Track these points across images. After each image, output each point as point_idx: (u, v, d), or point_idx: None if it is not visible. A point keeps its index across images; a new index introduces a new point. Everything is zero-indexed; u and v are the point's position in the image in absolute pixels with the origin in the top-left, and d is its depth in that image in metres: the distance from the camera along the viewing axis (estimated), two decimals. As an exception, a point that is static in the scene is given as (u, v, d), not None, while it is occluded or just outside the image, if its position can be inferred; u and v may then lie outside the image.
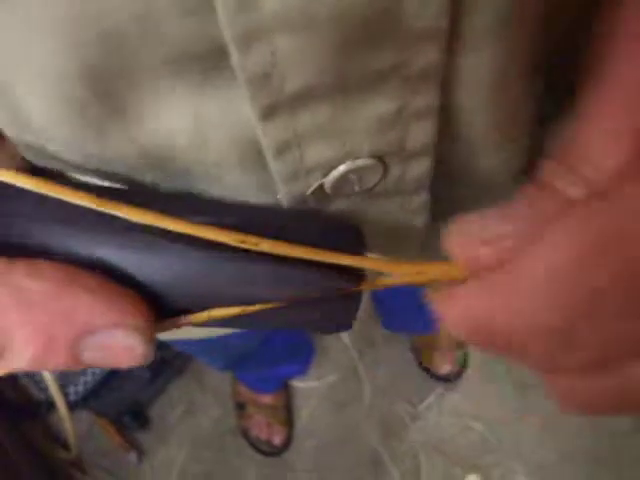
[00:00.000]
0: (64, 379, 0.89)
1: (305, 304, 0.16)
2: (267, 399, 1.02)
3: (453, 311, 0.14)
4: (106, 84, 0.13)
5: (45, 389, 0.87)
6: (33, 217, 0.14)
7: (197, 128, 0.14)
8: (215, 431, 1.06)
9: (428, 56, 0.13)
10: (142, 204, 0.14)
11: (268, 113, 0.13)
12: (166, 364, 1.02)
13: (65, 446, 1.00)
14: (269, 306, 0.16)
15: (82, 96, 0.13)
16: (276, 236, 0.15)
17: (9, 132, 0.17)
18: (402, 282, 0.16)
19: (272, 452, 1.02)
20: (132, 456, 1.04)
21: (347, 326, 0.18)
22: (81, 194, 0.14)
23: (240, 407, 1.04)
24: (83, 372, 0.89)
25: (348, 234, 0.17)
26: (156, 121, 0.14)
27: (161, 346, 0.99)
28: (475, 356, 1.07)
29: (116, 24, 0.11)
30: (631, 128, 0.12)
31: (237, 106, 0.13)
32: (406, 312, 0.95)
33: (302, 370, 1.02)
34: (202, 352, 0.74)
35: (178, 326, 0.16)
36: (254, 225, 0.15)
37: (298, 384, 1.07)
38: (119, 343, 0.14)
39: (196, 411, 1.08)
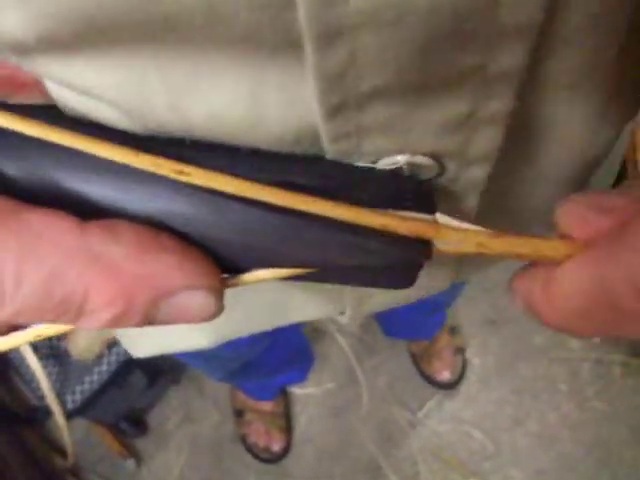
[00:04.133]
0: (61, 388, 0.88)
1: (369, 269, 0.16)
2: (266, 406, 1.02)
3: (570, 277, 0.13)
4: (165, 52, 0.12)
5: (42, 397, 0.87)
6: (86, 169, 0.14)
7: (253, 108, 0.13)
8: (213, 438, 1.06)
9: (513, 57, 0.12)
10: (198, 157, 0.14)
11: (334, 111, 0.12)
12: (163, 371, 1.02)
13: (62, 453, 0.99)
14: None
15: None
16: (347, 196, 0.14)
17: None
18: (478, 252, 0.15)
19: (271, 459, 1.02)
20: (130, 463, 1.04)
21: (407, 285, 0.17)
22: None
23: (238, 414, 1.04)
24: (80, 381, 0.88)
25: (421, 195, 0.16)
26: (208, 93, 0.13)
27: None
28: (474, 363, 1.07)
29: (181, 6, 0.11)
30: None
31: (300, 97, 0.13)
32: (406, 318, 0.95)
33: (301, 377, 1.01)
34: (200, 363, 0.74)
35: (239, 284, 0.16)
36: (323, 184, 0.15)
37: (296, 391, 1.07)
38: (195, 303, 0.14)
39: (194, 417, 1.07)
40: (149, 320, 0.14)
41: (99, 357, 0.88)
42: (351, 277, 0.17)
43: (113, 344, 0.89)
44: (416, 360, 1.07)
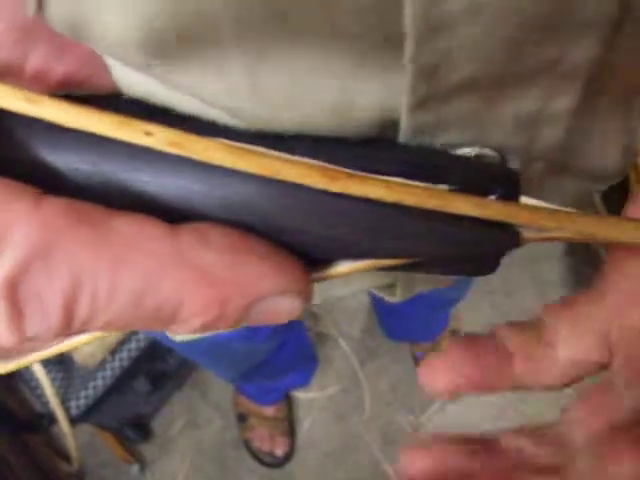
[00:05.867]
0: (65, 394, 0.89)
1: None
2: (269, 411, 1.02)
3: None
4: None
5: (47, 403, 0.87)
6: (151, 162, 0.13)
7: (342, 105, 0.14)
8: (217, 443, 1.06)
9: (586, 49, 0.12)
10: (279, 148, 0.13)
11: (421, 103, 0.13)
12: (167, 377, 1.02)
13: (67, 459, 1.00)
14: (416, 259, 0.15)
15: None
16: (433, 183, 0.14)
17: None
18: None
19: (274, 463, 1.02)
20: (134, 468, 1.04)
21: (490, 272, 0.16)
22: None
23: (242, 419, 1.04)
24: (84, 386, 0.89)
25: (508, 180, 0.15)
26: (304, 99, 0.14)
27: (162, 359, 0.99)
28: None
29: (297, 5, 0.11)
30: None
31: (386, 93, 0.13)
32: (408, 321, 0.95)
33: (305, 381, 1.02)
34: (211, 363, 0.74)
35: (325, 279, 0.15)
36: (408, 172, 0.14)
37: (299, 395, 1.07)
38: (284, 306, 0.14)
39: (198, 423, 1.08)
40: (239, 324, 0.14)
41: (102, 363, 0.89)
42: (435, 266, 0.16)
43: (116, 350, 0.89)
44: (419, 363, 1.07)
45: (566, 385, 0.17)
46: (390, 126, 0.14)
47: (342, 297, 0.29)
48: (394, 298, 0.30)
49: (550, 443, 0.16)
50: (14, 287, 0.11)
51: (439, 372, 0.17)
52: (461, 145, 0.15)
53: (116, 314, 0.12)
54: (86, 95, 0.15)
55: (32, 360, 0.17)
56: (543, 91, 0.13)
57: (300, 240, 0.14)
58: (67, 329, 0.12)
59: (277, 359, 0.79)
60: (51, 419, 0.90)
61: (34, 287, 0.11)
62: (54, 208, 0.12)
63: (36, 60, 0.14)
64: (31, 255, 0.11)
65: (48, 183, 0.13)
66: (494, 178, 0.15)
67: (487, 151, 0.15)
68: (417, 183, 0.14)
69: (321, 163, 0.13)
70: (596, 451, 0.15)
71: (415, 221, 0.14)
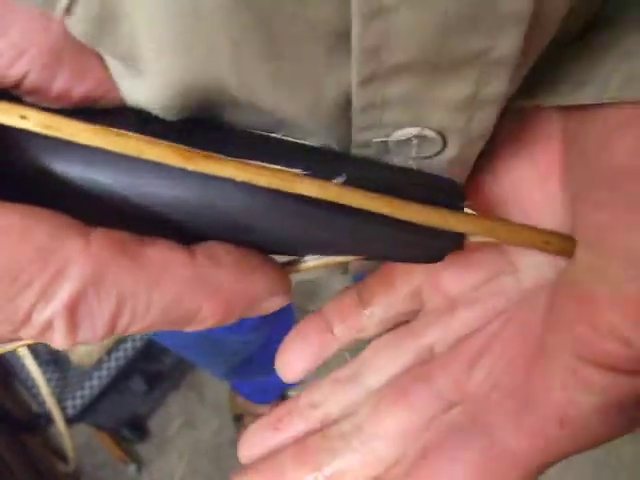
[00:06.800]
0: (61, 393, 0.89)
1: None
2: (265, 410, 1.02)
3: None
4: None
5: (44, 403, 0.88)
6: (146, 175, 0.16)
7: (312, 94, 0.16)
8: (214, 442, 1.06)
9: (510, 42, 0.14)
10: (238, 152, 0.15)
11: (367, 80, 0.14)
12: (163, 377, 1.03)
13: (64, 459, 1.00)
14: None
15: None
16: (388, 193, 0.16)
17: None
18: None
19: (270, 463, 1.02)
20: (131, 468, 1.04)
21: (437, 261, 0.18)
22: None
23: (238, 418, 1.05)
24: (81, 386, 0.89)
25: (450, 188, 0.18)
26: (282, 94, 0.16)
27: (157, 359, 0.99)
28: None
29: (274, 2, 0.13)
30: None
31: (341, 74, 0.15)
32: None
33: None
34: (203, 359, 0.74)
35: (297, 272, 0.19)
36: (364, 183, 0.16)
37: (294, 394, 1.07)
38: (274, 303, 0.18)
39: (195, 423, 1.08)
40: (239, 319, 0.17)
41: (99, 362, 0.89)
42: (388, 258, 0.20)
43: (112, 349, 0.90)
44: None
45: (384, 332, 0.23)
46: (346, 104, 0.16)
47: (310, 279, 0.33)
48: (346, 276, 0.34)
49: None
50: (73, 311, 0.14)
51: (289, 365, 0.24)
52: (404, 125, 0.16)
53: (149, 323, 0.16)
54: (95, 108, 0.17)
55: (18, 345, 0.18)
56: (475, 77, 0.15)
57: (266, 238, 0.17)
58: (110, 335, 0.16)
59: (268, 353, 0.80)
60: (47, 419, 0.90)
61: (88, 308, 0.15)
62: (100, 242, 0.15)
63: (61, 82, 0.16)
64: (85, 285, 0.14)
65: (62, 196, 0.15)
66: (438, 189, 0.17)
67: (427, 132, 0.17)
68: (269, 165, 0.16)
69: (181, 146, 0.15)
70: (375, 400, 0.21)
71: (368, 225, 0.16)
